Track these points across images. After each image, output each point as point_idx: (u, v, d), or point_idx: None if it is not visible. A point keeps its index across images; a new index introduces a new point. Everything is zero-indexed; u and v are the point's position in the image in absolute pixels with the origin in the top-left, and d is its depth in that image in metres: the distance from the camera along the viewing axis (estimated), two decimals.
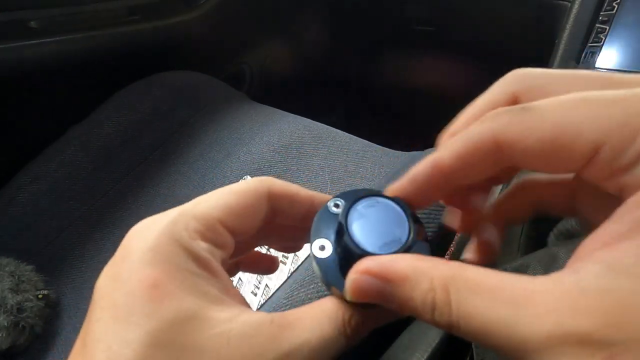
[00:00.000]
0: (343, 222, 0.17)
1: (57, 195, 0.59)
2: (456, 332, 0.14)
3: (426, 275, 0.14)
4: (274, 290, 0.46)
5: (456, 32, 0.91)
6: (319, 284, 0.41)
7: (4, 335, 0.45)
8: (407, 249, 0.17)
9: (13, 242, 0.56)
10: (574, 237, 0.35)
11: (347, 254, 0.17)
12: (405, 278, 0.15)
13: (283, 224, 0.22)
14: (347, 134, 0.61)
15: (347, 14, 1.06)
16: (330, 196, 0.20)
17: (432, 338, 0.36)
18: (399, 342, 0.38)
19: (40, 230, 0.57)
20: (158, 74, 0.70)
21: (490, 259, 0.20)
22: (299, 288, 0.42)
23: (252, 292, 0.47)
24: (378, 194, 0.19)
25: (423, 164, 0.17)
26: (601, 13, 0.54)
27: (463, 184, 0.17)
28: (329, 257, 0.18)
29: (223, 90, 0.73)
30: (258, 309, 0.45)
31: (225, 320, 0.16)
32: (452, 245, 0.53)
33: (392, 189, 0.18)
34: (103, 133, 0.63)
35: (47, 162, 0.60)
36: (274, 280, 0.47)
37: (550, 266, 0.33)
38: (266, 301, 0.46)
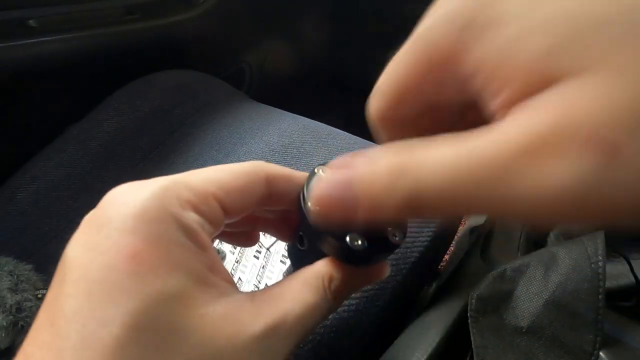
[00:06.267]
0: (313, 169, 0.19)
1: (56, 195, 0.59)
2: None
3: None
4: None
5: None
6: None
7: (3, 335, 0.45)
8: None
9: (12, 241, 0.56)
10: (574, 237, 0.35)
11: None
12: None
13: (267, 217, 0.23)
14: (347, 133, 0.61)
15: (347, 14, 1.06)
16: None
17: (432, 338, 0.36)
18: (399, 342, 0.38)
19: (39, 229, 0.57)
20: (158, 73, 0.70)
21: None
22: None
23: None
24: None
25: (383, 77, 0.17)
26: None
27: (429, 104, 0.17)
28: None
29: (223, 89, 0.73)
30: None
31: (208, 301, 0.15)
32: (452, 245, 0.53)
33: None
34: (102, 132, 0.63)
35: (46, 161, 0.60)
36: (274, 281, 0.47)
37: (550, 266, 0.33)
38: None
